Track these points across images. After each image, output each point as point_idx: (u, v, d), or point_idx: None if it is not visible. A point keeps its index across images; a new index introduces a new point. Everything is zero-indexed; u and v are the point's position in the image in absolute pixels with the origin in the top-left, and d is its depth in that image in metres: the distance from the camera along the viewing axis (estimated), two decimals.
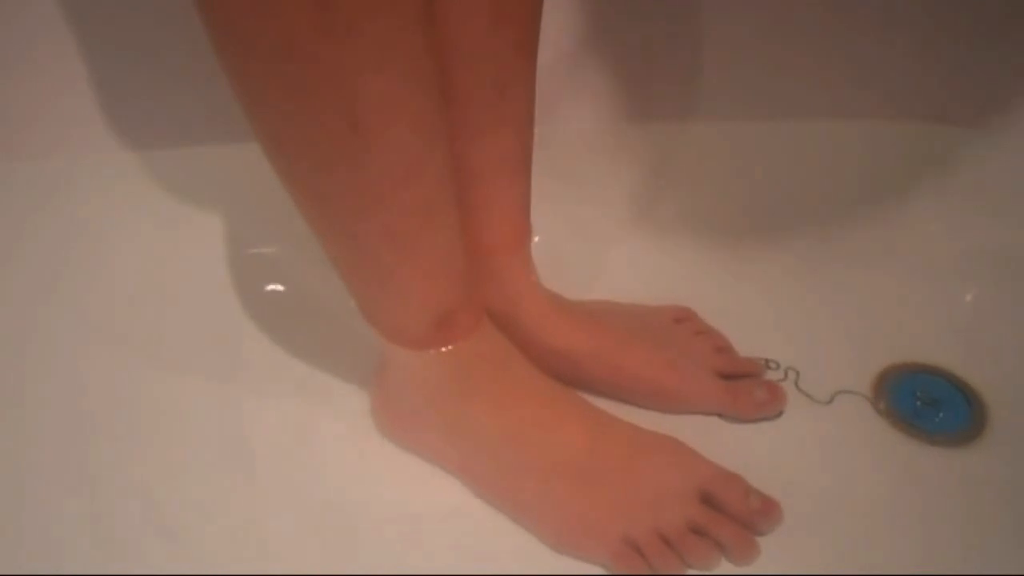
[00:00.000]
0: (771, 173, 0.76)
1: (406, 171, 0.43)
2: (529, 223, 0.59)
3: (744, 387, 0.60)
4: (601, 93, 0.76)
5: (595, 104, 0.77)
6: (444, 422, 0.54)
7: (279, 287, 0.71)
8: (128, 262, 0.72)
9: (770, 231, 0.73)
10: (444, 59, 0.49)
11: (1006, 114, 0.77)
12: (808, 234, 0.73)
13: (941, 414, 0.60)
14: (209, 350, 0.66)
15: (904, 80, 0.76)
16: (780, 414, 0.60)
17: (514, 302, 0.58)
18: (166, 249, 0.72)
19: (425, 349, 0.51)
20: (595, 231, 0.74)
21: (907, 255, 0.71)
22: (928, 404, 0.61)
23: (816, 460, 0.58)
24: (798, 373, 0.62)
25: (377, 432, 0.59)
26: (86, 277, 0.70)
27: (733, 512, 0.52)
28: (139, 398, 0.63)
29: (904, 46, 0.76)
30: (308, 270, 0.69)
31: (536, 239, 0.60)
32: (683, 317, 0.65)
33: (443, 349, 0.51)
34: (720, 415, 0.60)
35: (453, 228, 0.48)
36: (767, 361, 0.63)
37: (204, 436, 0.60)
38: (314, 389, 0.63)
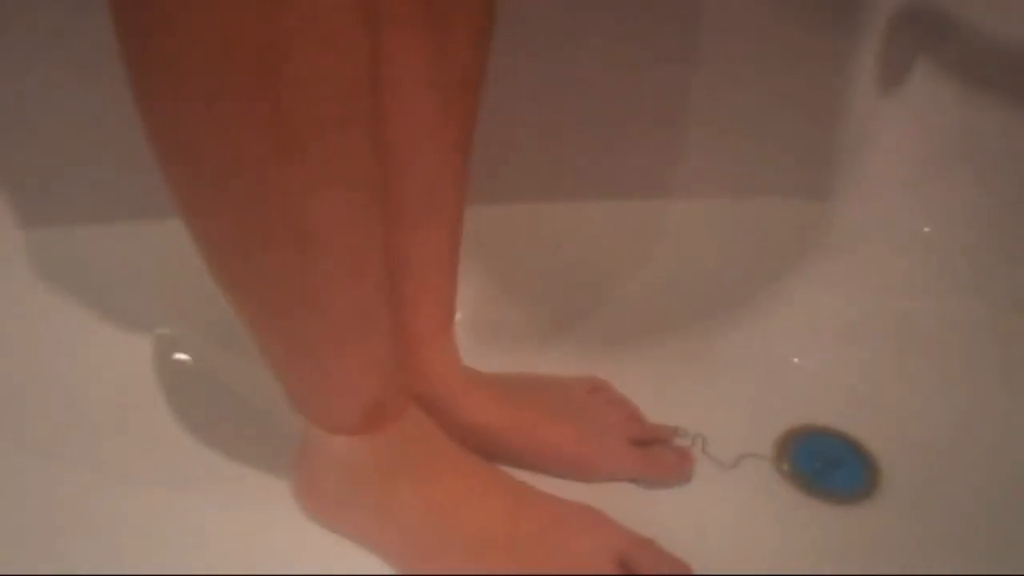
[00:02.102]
0: (659, 250, 0.81)
1: (348, 276, 0.44)
2: (454, 309, 0.61)
3: (656, 453, 0.63)
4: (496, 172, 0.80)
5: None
6: (371, 504, 0.55)
7: (186, 359, 0.70)
8: (23, 346, 0.70)
9: (668, 307, 0.77)
10: (384, 159, 0.51)
11: (871, 186, 0.83)
12: (704, 307, 0.76)
13: (839, 473, 0.64)
14: (119, 435, 0.65)
15: (777, 159, 0.83)
16: (690, 478, 0.63)
17: (436, 384, 0.60)
18: (69, 332, 0.71)
19: (352, 435, 0.53)
20: (507, 308, 0.77)
21: (800, 323, 0.75)
22: (827, 464, 0.64)
23: (725, 522, 0.61)
24: (704, 439, 0.65)
25: (303, 515, 0.59)
26: None
27: None
28: (47, 495, 0.60)
29: (767, 128, 0.82)
30: (218, 350, 0.69)
31: (458, 316, 0.63)
32: (597, 387, 0.68)
33: (370, 435, 0.53)
34: (635, 481, 0.63)
35: (388, 324, 0.49)
36: (676, 428, 0.66)
37: (124, 532, 0.58)
38: (233, 474, 0.62)
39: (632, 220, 0.83)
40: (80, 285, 0.72)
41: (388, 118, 0.50)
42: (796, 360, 0.73)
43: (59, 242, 0.73)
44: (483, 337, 0.69)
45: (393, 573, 0.56)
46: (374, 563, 0.57)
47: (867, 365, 0.73)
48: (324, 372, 0.49)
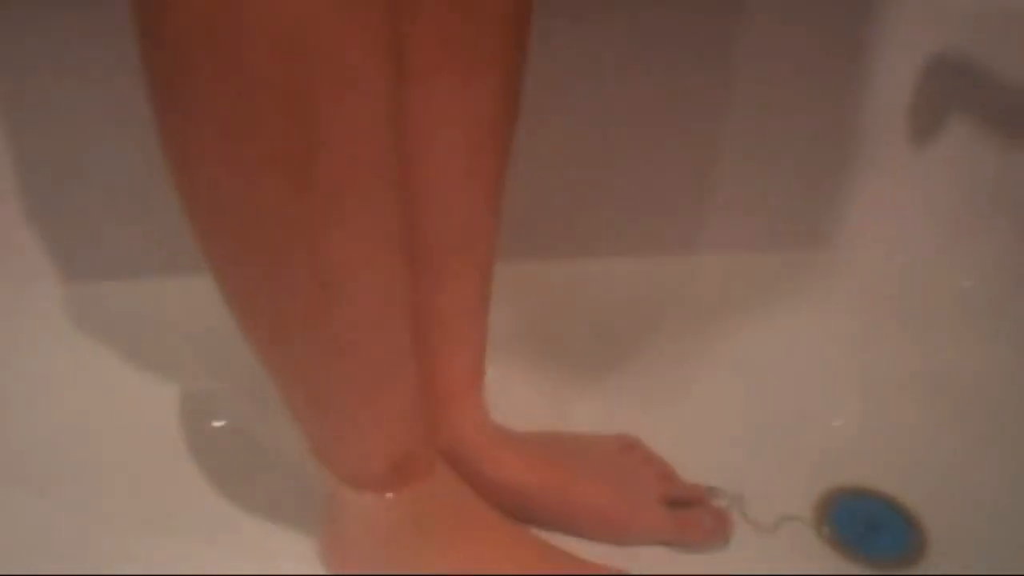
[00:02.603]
0: (689, 307, 0.80)
1: (372, 324, 0.44)
2: (484, 364, 0.60)
3: (692, 516, 0.61)
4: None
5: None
6: (397, 563, 0.54)
7: (222, 424, 0.69)
8: (61, 399, 0.70)
9: (700, 363, 0.75)
10: (415, 209, 0.50)
11: (908, 241, 0.82)
12: (737, 364, 0.75)
13: (882, 538, 0.62)
14: (150, 491, 0.64)
15: (812, 214, 0.83)
16: (727, 542, 0.61)
17: (465, 441, 0.59)
18: (104, 387, 0.71)
19: (380, 491, 0.51)
20: (535, 365, 0.75)
21: (836, 380, 0.74)
22: (870, 528, 0.62)
23: None
24: (743, 499, 0.63)
25: (328, 573, 0.58)
26: (12, 417, 0.68)
27: None
28: (76, 551, 0.60)
29: (801, 183, 0.82)
30: (252, 406, 0.68)
31: (488, 373, 0.61)
32: (628, 445, 0.66)
33: (398, 492, 0.51)
34: (668, 544, 0.61)
35: (414, 374, 0.49)
36: (712, 489, 0.64)
37: None
38: (260, 530, 0.61)
39: (661, 276, 0.82)
40: (117, 341, 0.72)
41: (418, 167, 0.50)
42: (833, 418, 0.71)
43: (97, 298, 0.74)
44: (511, 394, 0.68)
45: None
46: None
47: (906, 423, 0.71)
48: (349, 423, 0.48)
